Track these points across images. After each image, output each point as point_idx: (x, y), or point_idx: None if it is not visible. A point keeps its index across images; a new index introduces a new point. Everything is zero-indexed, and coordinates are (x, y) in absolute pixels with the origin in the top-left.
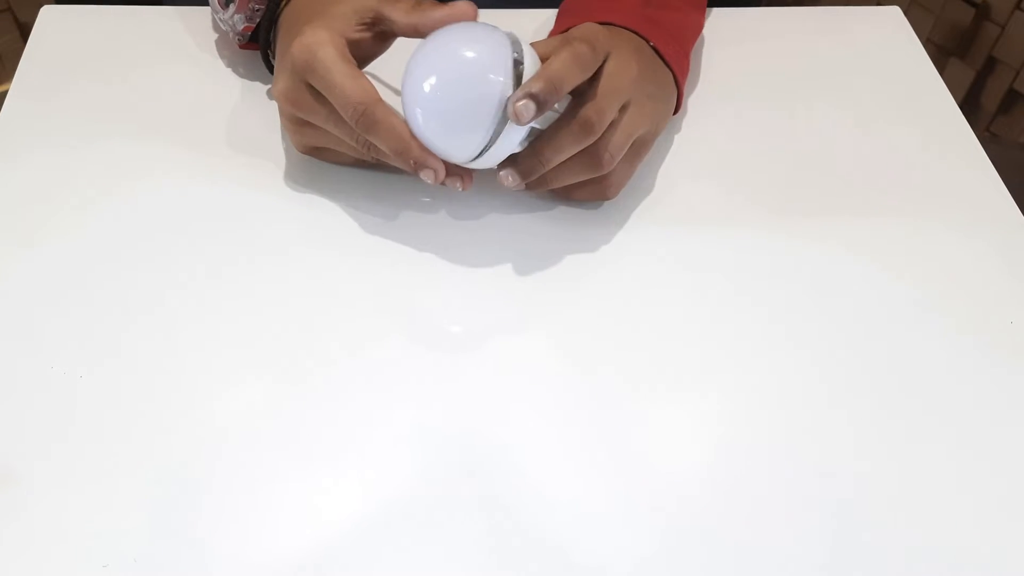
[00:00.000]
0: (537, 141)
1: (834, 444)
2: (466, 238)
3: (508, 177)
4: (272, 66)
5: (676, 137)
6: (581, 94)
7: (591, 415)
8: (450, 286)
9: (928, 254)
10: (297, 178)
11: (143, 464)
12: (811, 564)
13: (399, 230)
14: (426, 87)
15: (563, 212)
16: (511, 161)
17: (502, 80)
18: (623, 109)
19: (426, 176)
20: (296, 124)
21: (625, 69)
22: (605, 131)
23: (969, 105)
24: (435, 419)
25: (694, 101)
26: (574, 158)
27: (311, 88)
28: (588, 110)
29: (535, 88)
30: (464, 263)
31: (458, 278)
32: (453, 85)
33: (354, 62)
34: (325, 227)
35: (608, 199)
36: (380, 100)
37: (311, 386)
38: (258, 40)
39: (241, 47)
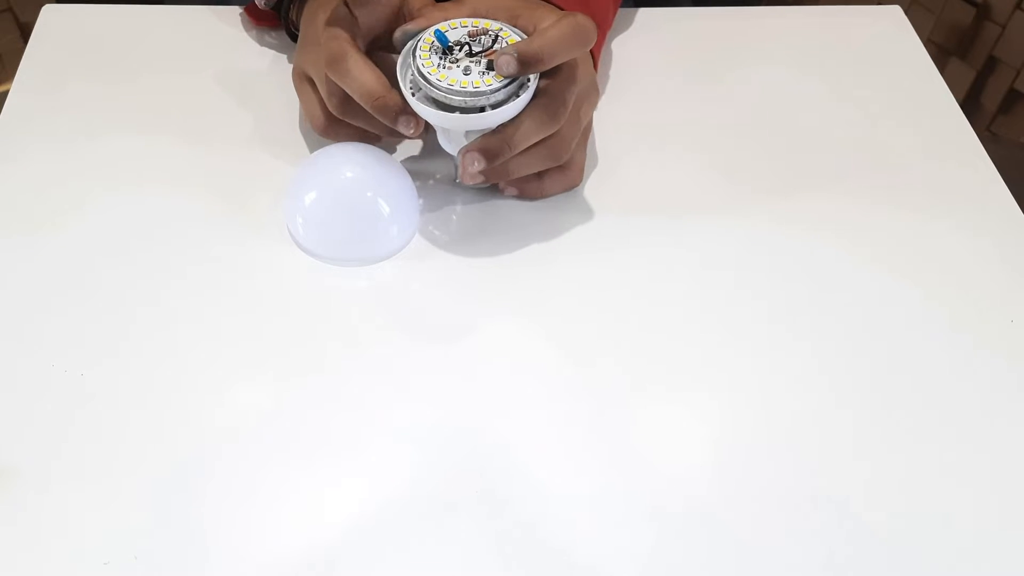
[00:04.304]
0: (504, 126)
1: (833, 442)
2: (464, 236)
3: (473, 161)
4: (293, 33)
5: (677, 136)
6: (546, 77)
7: (593, 413)
8: (450, 283)
9: (929, 253)
10: None
11: (144, 462)
12: (811, 562)
13: None
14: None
15: (562, 209)
16: (477, 143)
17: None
18: (577, 97)
19: (405, 127)
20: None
21: (584, 57)
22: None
23: (969, 105)
24: (437, 417)
25: (695, 100)
26: (535, 148)
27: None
28: (555, 99)
29: (524, 48)
30: (463, 261)
31: (457, 275)
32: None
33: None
34: None
35: (576, 185)
36: (354, 50)
37: (312, 384)
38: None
39: (256, 23)
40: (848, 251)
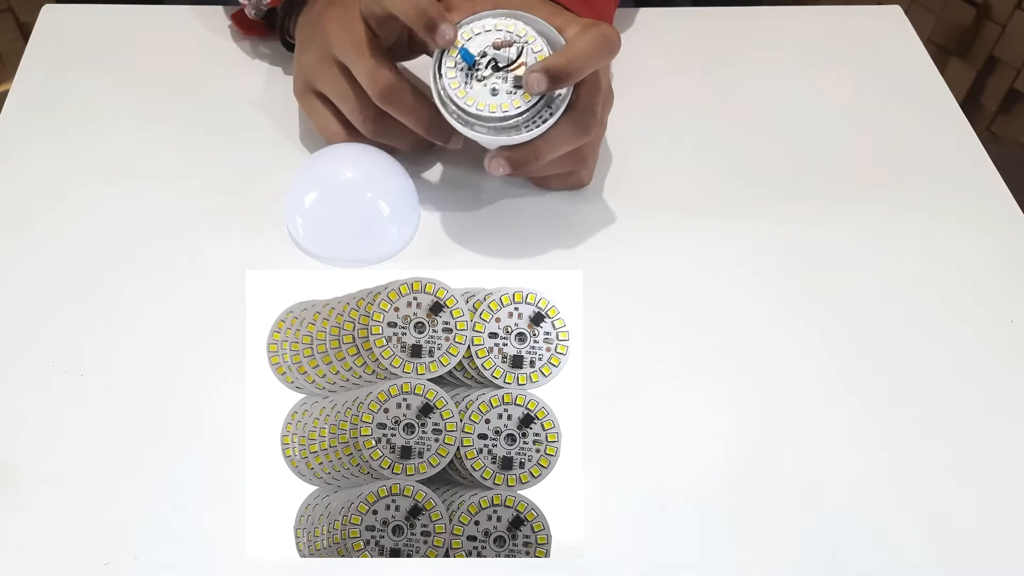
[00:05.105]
0: (534, 139)
1: (834, 441)
2: (464, 236)
3: (500, 167)
4: (288, 43)
5: (677, 136)
6: (575, 89)
7: (593, 413)
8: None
9: (929, 253)
10: None
11: (144, 462)
12: (811, 562)
13: None
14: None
15: (564, 210)
16: (505, 151)
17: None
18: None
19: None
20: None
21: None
22: None
23: (970, 105)
24: None
25: (697, 100)
26: (564, 154)
27: (339, 64)
28: (584, 112)
29: (553, 64)
30: (464, 261)
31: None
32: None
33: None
34: None
35: (585, 184)
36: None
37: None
38: (269, 22)
39: (245, 32)
40: (848, 250)
